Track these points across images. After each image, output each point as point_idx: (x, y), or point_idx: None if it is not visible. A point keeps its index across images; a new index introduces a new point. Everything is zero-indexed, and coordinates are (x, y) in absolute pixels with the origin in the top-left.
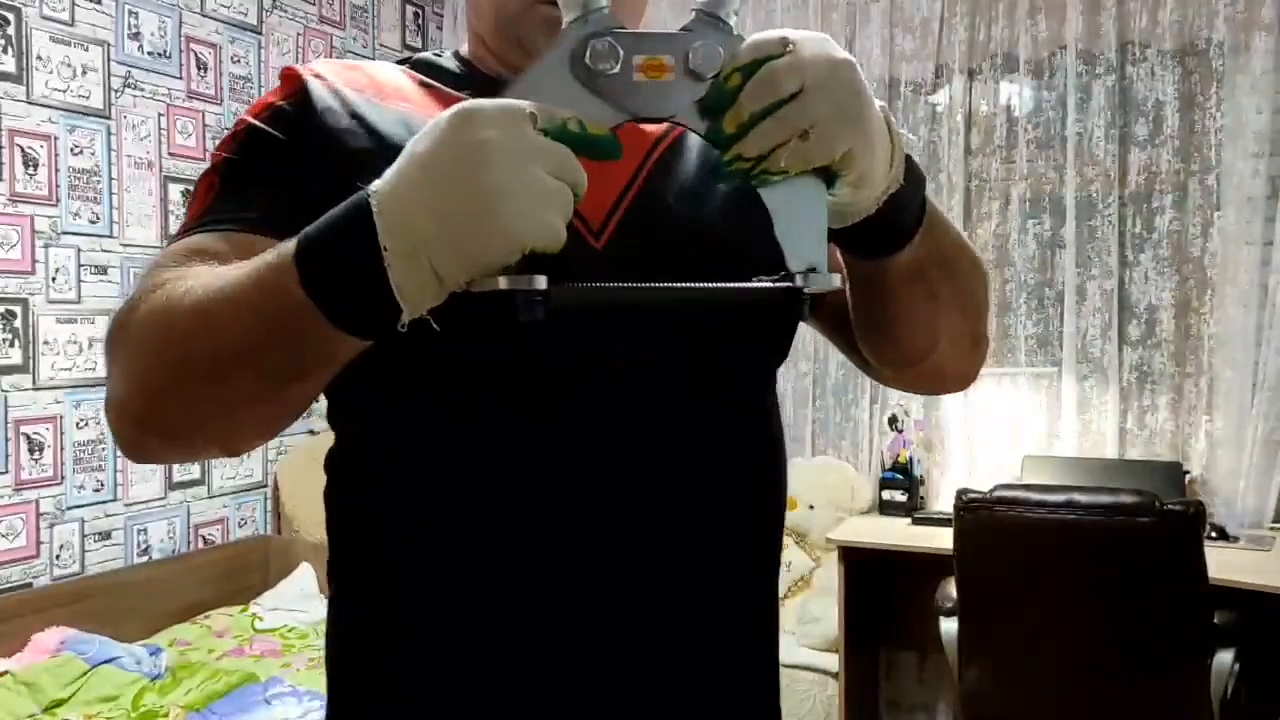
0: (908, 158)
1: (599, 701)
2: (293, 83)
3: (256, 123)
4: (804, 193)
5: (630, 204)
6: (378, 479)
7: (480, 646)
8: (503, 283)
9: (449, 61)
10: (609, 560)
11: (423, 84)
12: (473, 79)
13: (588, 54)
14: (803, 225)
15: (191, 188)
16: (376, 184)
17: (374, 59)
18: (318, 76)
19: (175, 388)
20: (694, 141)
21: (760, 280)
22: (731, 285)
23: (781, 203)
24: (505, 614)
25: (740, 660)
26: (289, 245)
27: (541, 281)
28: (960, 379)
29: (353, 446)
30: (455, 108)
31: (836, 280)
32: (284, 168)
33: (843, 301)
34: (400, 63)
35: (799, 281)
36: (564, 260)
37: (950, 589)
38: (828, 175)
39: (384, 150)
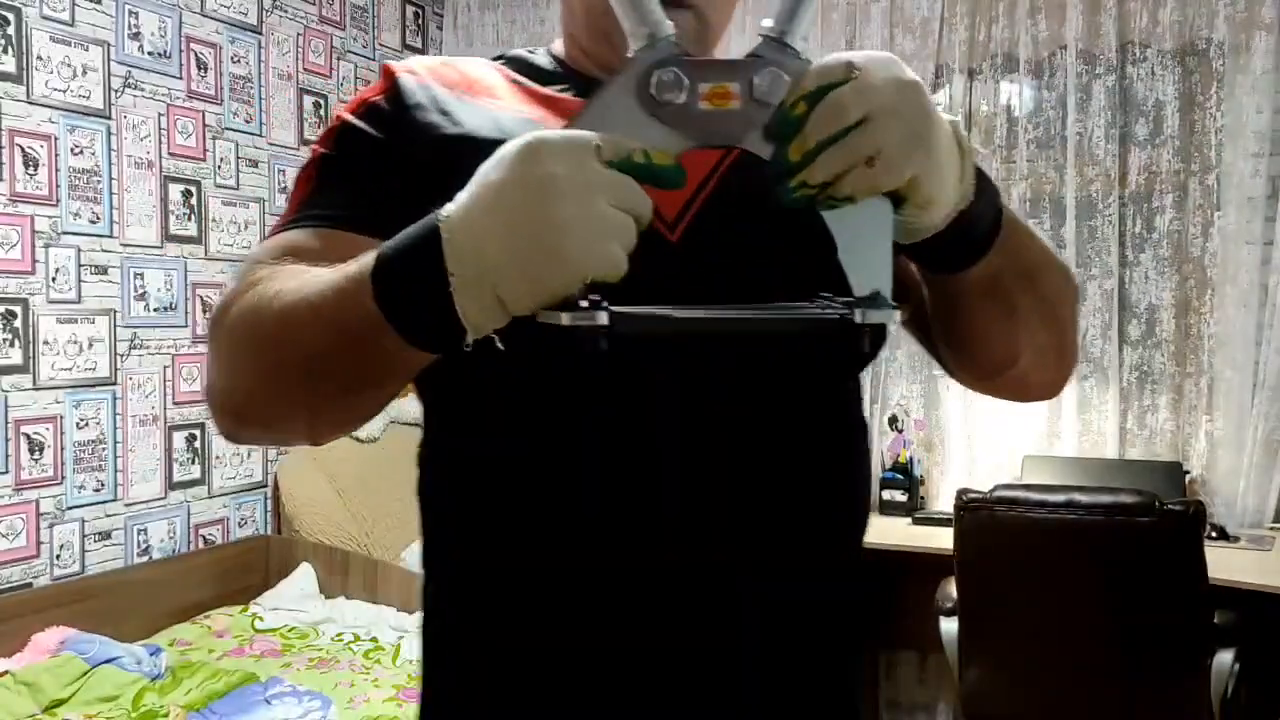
0: (980, 172)
1: (688, 688)
2: (388, 79)
3: (352, 119)
4: (870, 216)
5: (707, 198)
6: (464, 475)
7: (571, 633)
8: (565, 319)
9: (542, 58)
10: (696, 549)
11: (513, 80)
12: (566, 74)
13: (653, 83)
14: (867, 250)
15: (191, 188)
16: (449, 207)
17: (373, 59)
18: (411, 73)
19: (263, 389)
20: (752, 164)
21: (826, 298)
22: (791, 315)
23: (846, 226)
24: (593, 607)
25: (824, 649)
26: (368, 259)
27: (603, 317)
28: (1046, 389)
29: (441, 443)
30: (524, 139)
31: (897, 316)
32: (376, 164)
33: (923, 302)
34: (495, 59)
35: (857, 317)
36: (639, 253)
37: (950, 589)
38: (894, 197)
39: (471, 146)
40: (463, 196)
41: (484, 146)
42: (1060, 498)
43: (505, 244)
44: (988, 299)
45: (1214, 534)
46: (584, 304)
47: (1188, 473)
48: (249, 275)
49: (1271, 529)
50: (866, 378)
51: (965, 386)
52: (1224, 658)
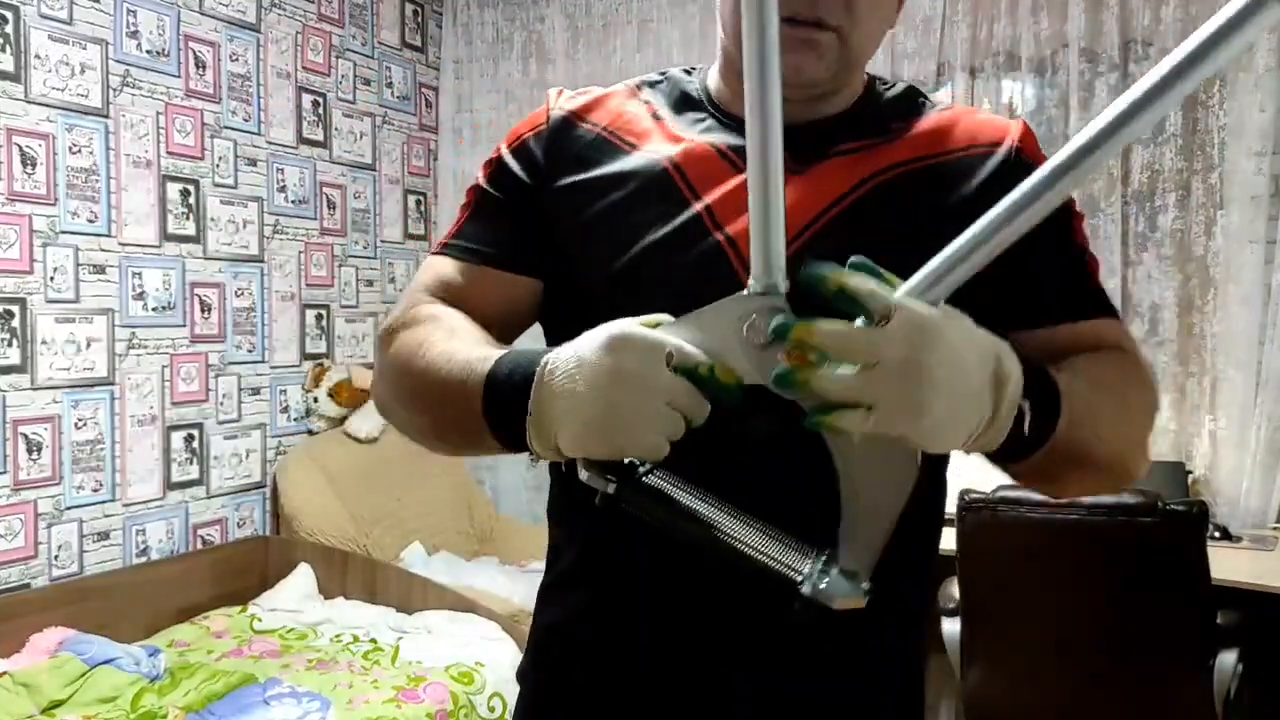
0: (1034, 402)
1: (761, 685)
2: (543, 118)
3: (507, 156)
4: (887, 477)
5: (800, 249)
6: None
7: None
8: (582, 475)
9: (694, 85)
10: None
11: (655, 116)
12: (709, 107)
13: (748, 325)
14: (870, 515)
15: (189, 187)
16: (549, 358)
17: (372, 57)
18: (564, 114)
19: (403, 421)
20: (894, 196)
21: (824, 552)
22: (758, 552)
23: (854, 477)
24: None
25: (889, 650)
26: (485, 369)
27: (611, 487)
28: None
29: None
30: (618, 329)
31: (857, 602)
32: (519, 208)
33: None
34: (652, 84)
35: (805, 588)
36: (721, 293)
37: (952, 589)
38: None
39: (599, 193)
40: (562, 353)
41: (608, 193)
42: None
43: (571, 408)
44: (1038, 478)
45: (1217, 534)
46: (627, 461)
47: (1190, 472)
48: (414, 306)
49: (1275, 529)
50: None
51: None
52: (1227, 658)
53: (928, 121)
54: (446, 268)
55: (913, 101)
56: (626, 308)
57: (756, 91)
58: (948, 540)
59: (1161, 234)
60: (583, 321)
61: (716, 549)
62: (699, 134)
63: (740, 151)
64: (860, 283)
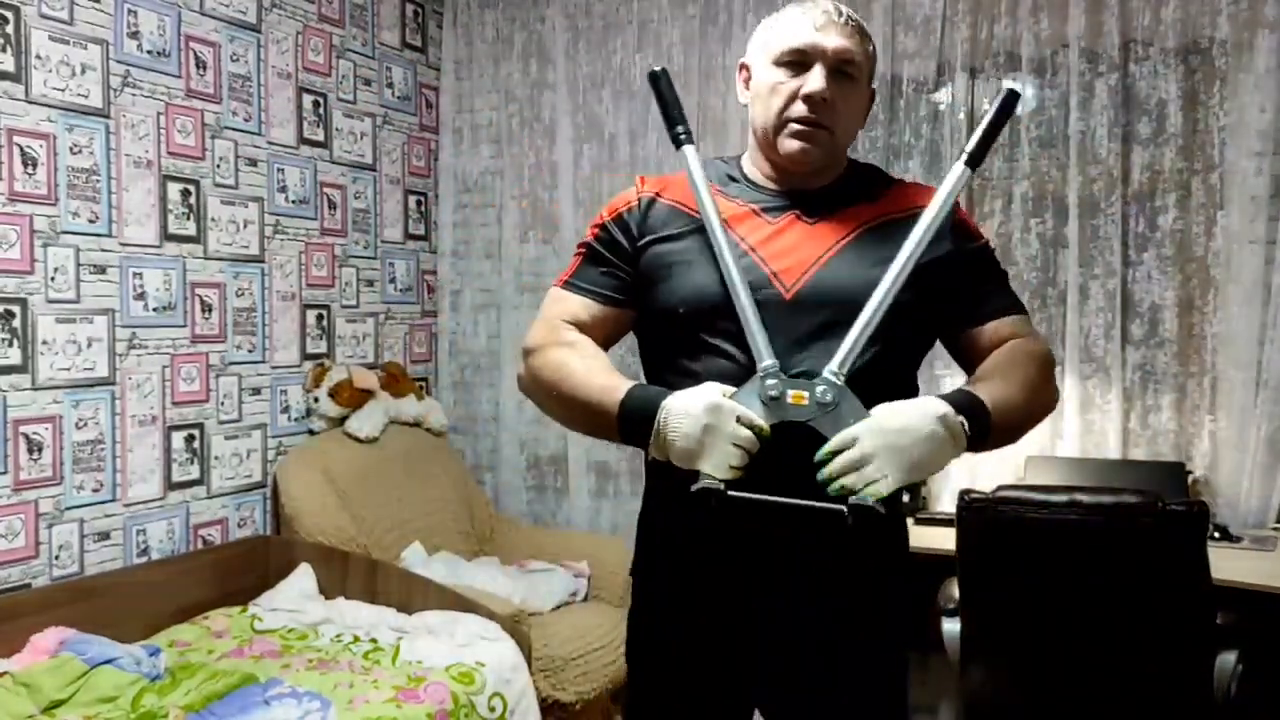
0: (968, 425)
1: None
2: (634, 197)
3: (608, 220)
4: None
5: (815, 273)
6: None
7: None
8: (694, 487)
9: (736, 171)
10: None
11: (721, 191)
12: (745, 181)
13: (762, 388)
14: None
15: (190, 187)
16: (668, 402)
17: (373, 58)
18: (649, 194)
19: (544, 409)
20: (872, 237)
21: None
22: (810, 502)
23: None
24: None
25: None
26: (619, 396)
27: (714, 497)
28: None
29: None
30: (714, 398)
31: (877, 506)
32: (620, 261)
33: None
34: (710, 161)
35: (855, 501)
36: (762, 306)
37: (952, 589)
38: None
39: (677, 254)
40: (674, 405)
41: (680, 254)
42: (1063, 498)
43: (676, 438)
44: (989, 447)
45: (1217, 534)
46: (730, 475)
47: (1190, 473)
48: (555, 330)
49: (1275, 529)
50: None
51: None
52: (1227, 658)
53: (893, 190)
54: (574, 308)
55: (880, 175)
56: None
57: (730, 273)
58: (948, 540)
59: (1162, 234)
60: (667, 337)
61: (783, 509)
62: (741, 202)
63: (768, 210)
64: (835, 465)
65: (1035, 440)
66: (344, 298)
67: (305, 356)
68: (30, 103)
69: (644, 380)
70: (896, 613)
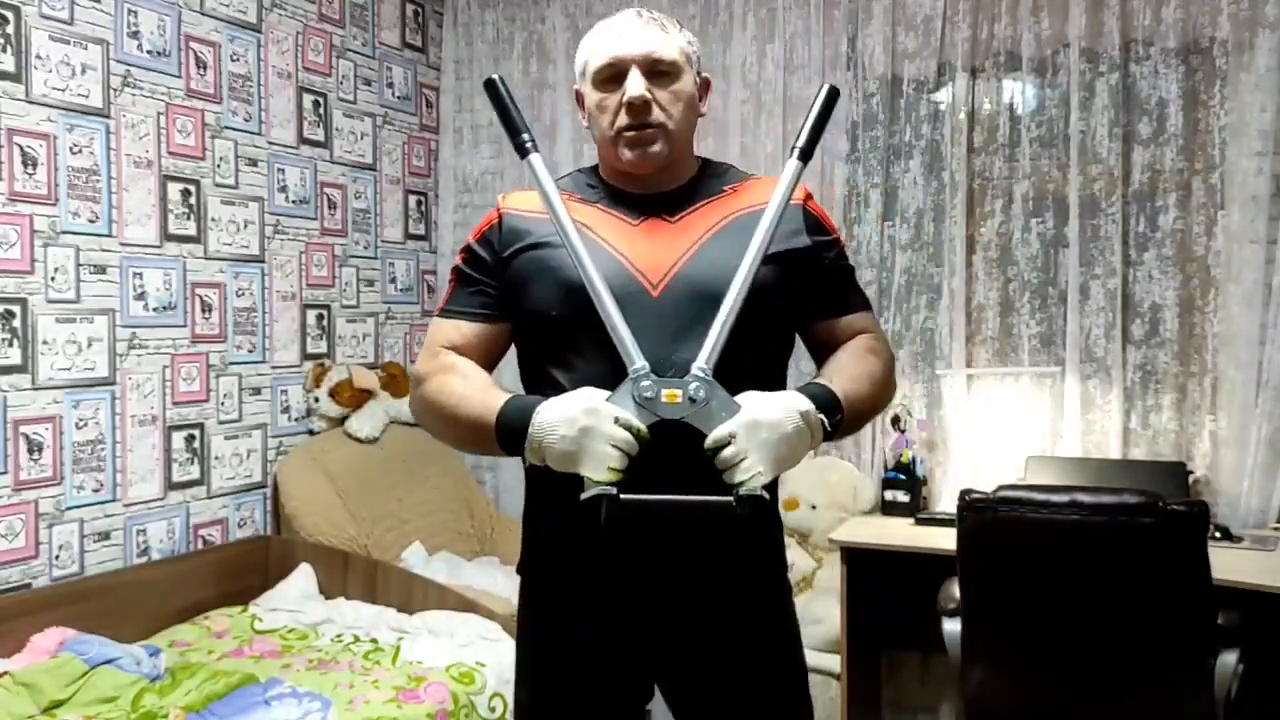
0: (828, 421)
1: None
2: (494, 214)
3: (472, 243)
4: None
5: (680, 269)
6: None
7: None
8: (584, 495)
9: (595, 179)
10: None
11: (582, 199)
12: (602, 186)
13: (636, 390)
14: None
15: (190, 187)
16: (541, 409)
17: (373, 57)
18: (509, 206)
19: (435, 434)
20: (734, 231)
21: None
22: (698, 498)
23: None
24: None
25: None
26: (497, 406)
27: (605, 502)
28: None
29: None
30: (589, 401)
31: (761, 492)
32: (485, 274)
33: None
34: (560, 179)
35: (743, 492)
36: (631, 304)
37: (953, 589)
38: None
39: (545, 251)
40: (548, 406)
41: (544, 261)
42: (1063, 498)
43: (553, 442)
44: (842, 436)
45: (1218, 534)
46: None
47: (1191, 473)
48: (435, 356)
49: (1275, 529)
50: None
51: None
52: (1228, 658)
53: (748, 184)
54: (449, 333)
55: (734, 171)
56: (575, 323)
57: (589, 275)
58: (948, 540)
59: (1162, 234)
60: (541, 345)
61: (675, 506)
62: (603, 207)
63: (629, 212)
64: (718, 460)
65: (1036, 440)
66: (344, 298)
67: (305, 356)
68: (30, 103)
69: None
70: (785, 590)
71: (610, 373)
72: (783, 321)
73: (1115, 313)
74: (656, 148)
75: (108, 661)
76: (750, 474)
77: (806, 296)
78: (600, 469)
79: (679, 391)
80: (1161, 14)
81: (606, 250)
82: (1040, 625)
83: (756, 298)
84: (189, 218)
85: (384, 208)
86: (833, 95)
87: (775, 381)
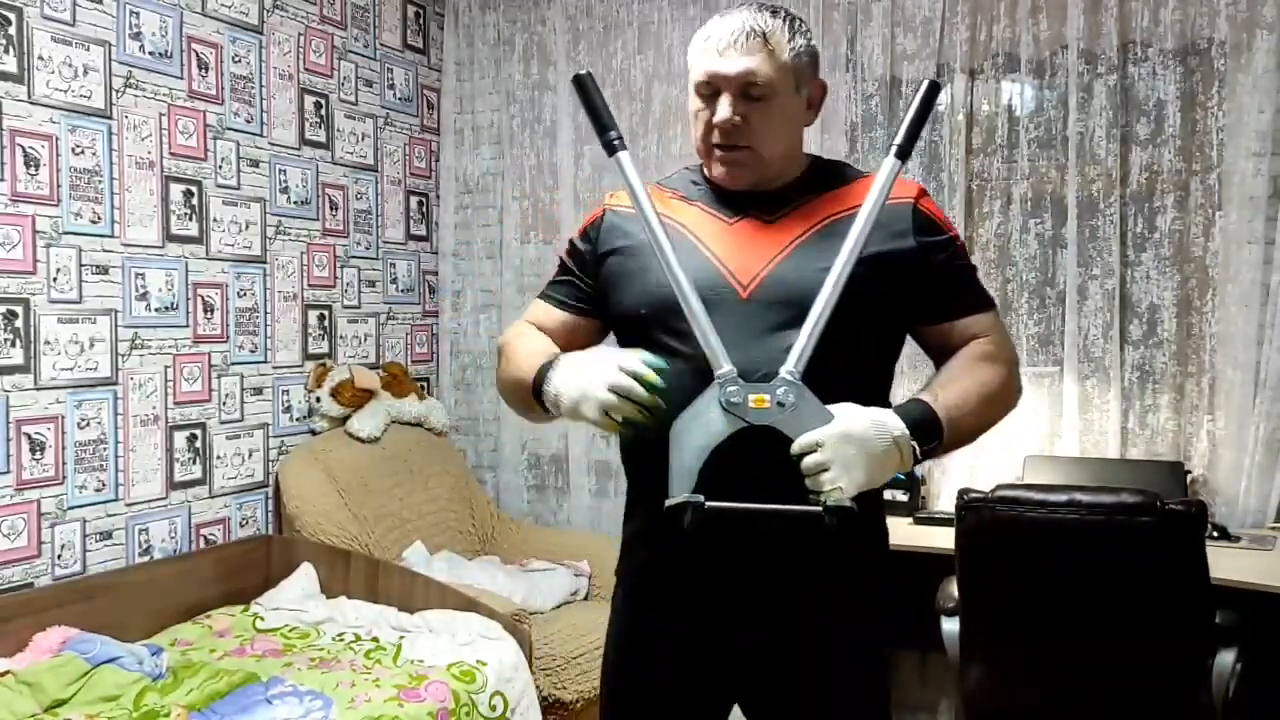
0: (921, 448)
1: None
2: (599, 210)
3: (575, 238)
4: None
5: (770, 271)
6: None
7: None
8: (668, 503)
9: (699, 176)
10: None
11: (684, 197)
12: (703, 185)
13: (723, 395)
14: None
15: (192, 188)
16: (564, 357)
17: (374, 59)
18: (609, 208)
19: (507, 401)
20: (829, 233)
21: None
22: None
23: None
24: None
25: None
26: (536, 366)
27: (690, 509)
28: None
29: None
30: (603, 351)
31: (851, 504)
32: (581, 269)
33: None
34: (663, 180)
35: (831, 502)
36: (719, 305)
37: (951, 589)
38: None
39: (634, 254)
40: (569, 357)
41: (639, 261)
42: (1061, 497)
43: (558, 387)
44: (942, 454)
45: (1215, 534)
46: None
47: (1189, 472)
48: (517, 327)
49: (1273, 529)
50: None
51: None
52: (1225, 658)
53: (854, 185)
54: (540, 313)
55: (842, 171)
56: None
57: (676, 277)
58: (946, 539)
59: (1160, 234)
60: (634, 340)
61: (762, 516)
62: (703, 205)
63: (726, 211)
64: (808, 462)
65: (1034, 440)
66: (345, 298)
67: (307, 356)
68: (33, 104)
69: None
70: (881, 611)
71: (698, 375)
72: (880, 326)
73: (1113, 313)
74: (744, 168)
75: (110, 660)
76: (830, 486)
77: (910, 300)
78: (596, 411)
79: (767, 396)
80: (1159, 15)
81: (699, 250)
82: (1039, 624)
83: (850, 301)
84: (191, 218)
85: (385, 208)
86: (933, 90)
87: (872, 386)
